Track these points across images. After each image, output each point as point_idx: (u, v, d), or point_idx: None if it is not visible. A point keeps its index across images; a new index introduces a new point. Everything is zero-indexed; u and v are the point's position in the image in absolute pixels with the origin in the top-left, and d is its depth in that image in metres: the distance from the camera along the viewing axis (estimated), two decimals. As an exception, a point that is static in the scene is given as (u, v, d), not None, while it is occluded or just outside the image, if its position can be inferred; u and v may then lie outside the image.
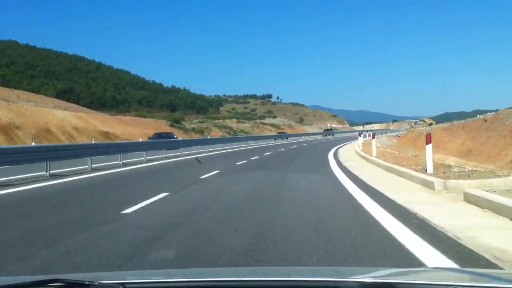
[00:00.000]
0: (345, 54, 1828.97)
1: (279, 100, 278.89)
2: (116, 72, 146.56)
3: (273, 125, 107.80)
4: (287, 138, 57.21)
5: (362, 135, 37.21)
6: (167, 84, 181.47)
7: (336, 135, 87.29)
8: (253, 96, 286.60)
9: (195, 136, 61.27)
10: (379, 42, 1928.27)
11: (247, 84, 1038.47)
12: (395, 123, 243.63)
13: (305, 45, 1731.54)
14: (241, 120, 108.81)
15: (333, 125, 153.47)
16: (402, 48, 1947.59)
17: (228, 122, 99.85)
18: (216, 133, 77.78)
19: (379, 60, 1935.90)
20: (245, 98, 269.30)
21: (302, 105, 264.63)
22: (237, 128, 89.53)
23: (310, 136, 73.63)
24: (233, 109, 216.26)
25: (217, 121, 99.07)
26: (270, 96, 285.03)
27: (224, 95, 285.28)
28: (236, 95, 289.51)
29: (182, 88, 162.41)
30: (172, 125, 64.61)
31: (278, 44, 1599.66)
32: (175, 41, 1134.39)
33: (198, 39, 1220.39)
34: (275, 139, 54.03)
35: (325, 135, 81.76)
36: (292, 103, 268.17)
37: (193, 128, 71.05)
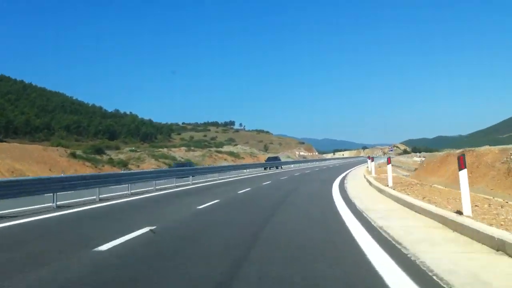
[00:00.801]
0: (309, 83, 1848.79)
1: (242, 128, 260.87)
2: (46, 93, 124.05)
3: (231, 154, 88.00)
4: (192, 176, 26.68)
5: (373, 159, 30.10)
6: (111, 108, 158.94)
7: (290, 167, 58.27)
8: (214, 124, 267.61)
9: (107, 170, 40.75)
10: (341, 72, 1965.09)
11: (208, 112, 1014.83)
12: (366, 150, 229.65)
13: (268, 73, 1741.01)
14: (192, 148, 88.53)
15: (302, 153, 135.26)
16: (364, 78, 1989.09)
17: (176, 151, 79.39)
18: (150, 165, 57.26)
19: (340, 89, 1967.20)
20: (205, 126, 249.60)
21: (267, 132, 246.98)
22: (182, 158, 69.12)
23: (244, 172, 38.58)
24: (192, 137, 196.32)
25: (160, 150, 78.40)
26: (232, 123, 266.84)
27: (183, 123, 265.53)
28: (196, 123, 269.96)
29: (128, 113, 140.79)
30: (73, 155, 43.70)
31: (242, 71, 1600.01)
32: (131, 65, 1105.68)
33: (157, 64, 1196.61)
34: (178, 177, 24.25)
35: (268, 168, 49.27)
36: (256, 130, 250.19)
37: (110, 160, 50.11)
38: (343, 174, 30.30)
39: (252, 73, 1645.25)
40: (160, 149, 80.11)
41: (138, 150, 69.83)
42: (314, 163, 75.99)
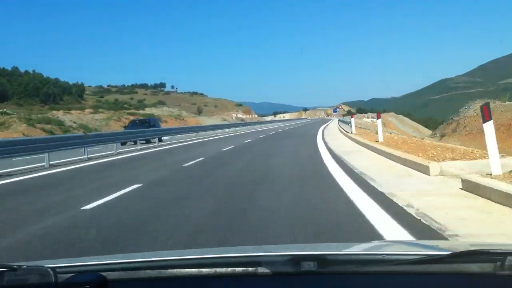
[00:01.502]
0: (245, 46, 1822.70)
1: (174, 90, 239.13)
2: None
3: (150, 116, 70.05)
4: None
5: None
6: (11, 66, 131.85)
7: (225, 131, 40.73)
8: (144, 86, 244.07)
9: None
10: (277, 36, 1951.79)
11: (140, 74, 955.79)
12: (308, 112, 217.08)
13: (205, 35, 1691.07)
14: (100, 110, 69.76)
15: (239, 115, 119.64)
16: (299, 42, 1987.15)
17: (74, 113, 60.36)
18: (13, 133, 39.12)
19: (276, 53, 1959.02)
20: (132, 88, 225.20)
21: (202, 94, 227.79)
22: (75, 122, 50.66)
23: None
24: (116, 99, 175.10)
25: (53, 112, 59.22)
26: (163, 85, 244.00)
27: (109, 85, 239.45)
28: (123, 85, 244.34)
29: (31, 72, 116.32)
30: None
31: (175, 29, 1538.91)
32: (45, 23, 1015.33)
33: (78, 21, 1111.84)
34: None
35: (128, 142, 24.10)
36: (189, 92, 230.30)
37: None
38: (324, 153, 14.25)
39: (187, 33, 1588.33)
40: (55, 112, 60.78)
41: (9, 112, 50.27)
42: (254, 126, 60.57)
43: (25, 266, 1.37)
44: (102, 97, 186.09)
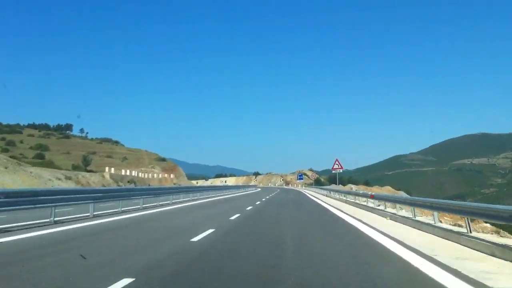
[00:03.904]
0: (200, 110, 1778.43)
1: (83, 134, 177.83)
2: None
3: None
4: None
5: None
6: None
7: None
8: (44, 126, 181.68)
9: None
10: (228, 103, 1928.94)
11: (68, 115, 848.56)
12: (259, 177, 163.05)
13: (156, 96, 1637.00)
14: None
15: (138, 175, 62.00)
16: (250, 112, 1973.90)
17: None
18: None
19: (236, 120, 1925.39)
20: (16, 127, 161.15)
21: (116, 143, 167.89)
22: None
23: None
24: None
25: None
26: (69, 127, 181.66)
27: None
28: (18, 124, 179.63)
29: None
30: None
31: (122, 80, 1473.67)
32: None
33: None
34: None
35: None
36: (98, 139, 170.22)
37: None
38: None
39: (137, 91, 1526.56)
40: None
41: None
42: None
43: None
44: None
